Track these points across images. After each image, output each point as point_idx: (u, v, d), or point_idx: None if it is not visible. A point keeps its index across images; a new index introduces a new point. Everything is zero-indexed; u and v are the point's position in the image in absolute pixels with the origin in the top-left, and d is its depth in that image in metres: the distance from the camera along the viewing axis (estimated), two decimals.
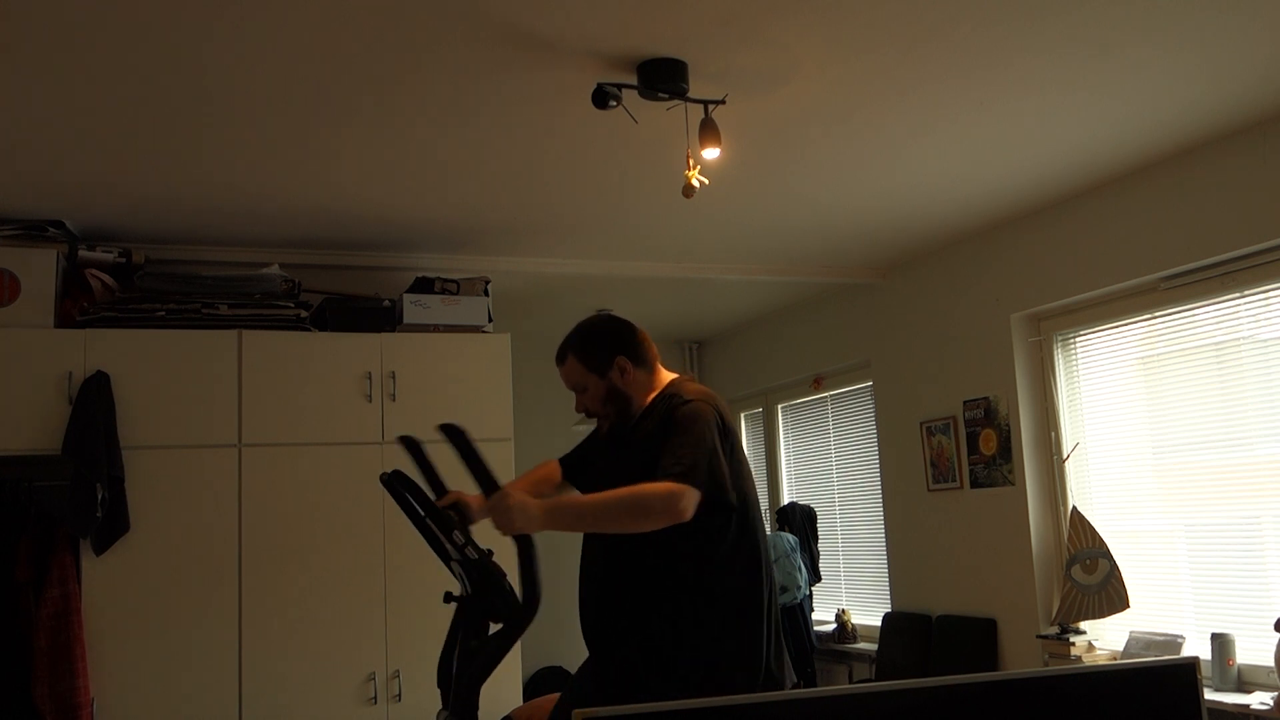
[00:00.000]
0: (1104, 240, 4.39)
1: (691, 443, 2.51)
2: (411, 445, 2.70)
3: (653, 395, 2.76)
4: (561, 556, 3.18)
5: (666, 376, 2.82)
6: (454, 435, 2.44)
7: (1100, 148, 3.94)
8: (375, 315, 4.62)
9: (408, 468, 2.66)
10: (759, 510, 2.72)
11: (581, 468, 2.95)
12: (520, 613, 2.41)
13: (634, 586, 2.62)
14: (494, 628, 2.57)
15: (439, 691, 2.70)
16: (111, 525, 4.01)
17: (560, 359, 2.81)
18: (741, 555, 2.61)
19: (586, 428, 3.21)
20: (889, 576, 5.71)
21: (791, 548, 5.99)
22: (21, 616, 4.03)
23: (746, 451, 7.51)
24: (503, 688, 4.32)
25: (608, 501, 2.46)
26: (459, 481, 2.65)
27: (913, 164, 4.02)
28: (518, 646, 4.45)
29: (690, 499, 2.43)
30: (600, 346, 2.77)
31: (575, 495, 2.46)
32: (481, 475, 2.43)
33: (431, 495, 2.63)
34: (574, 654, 2.87)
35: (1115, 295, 4.47)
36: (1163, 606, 4.32)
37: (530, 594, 2.40)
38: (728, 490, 2.52)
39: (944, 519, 5.27)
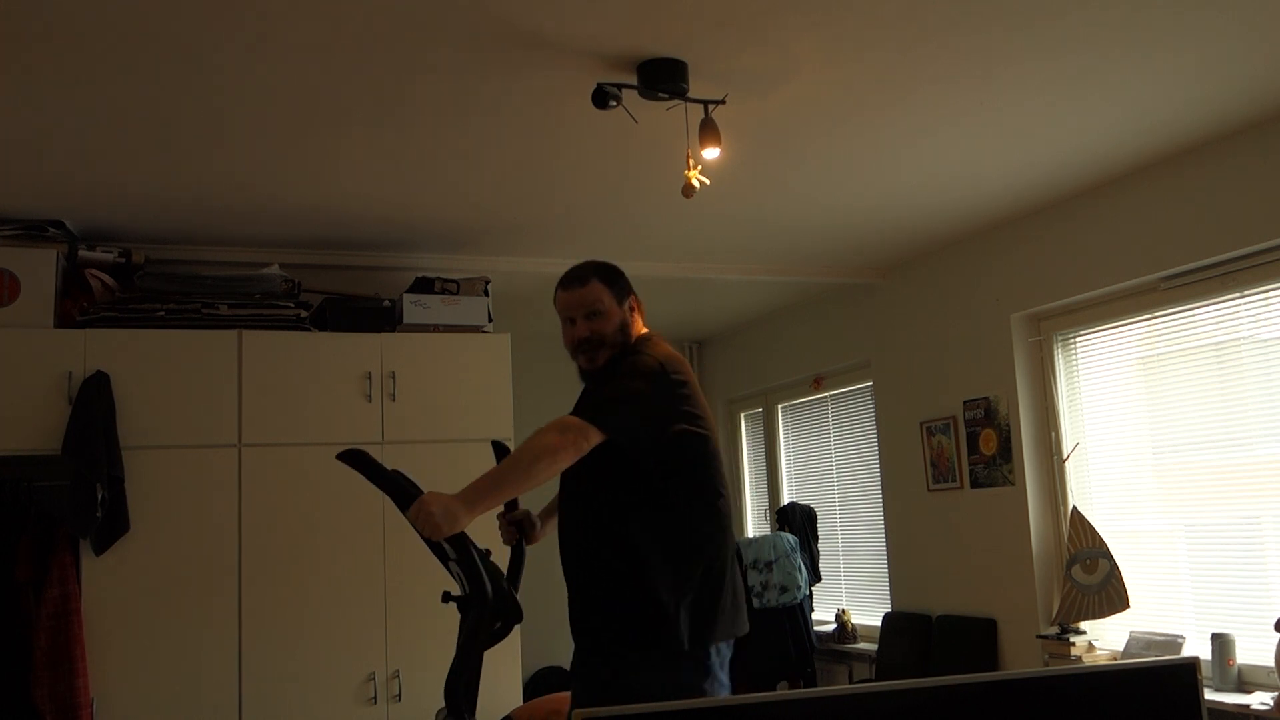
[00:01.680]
0: (1104, 240, 4.39)
1: (613, 387, 2.56)
2: (356, 458, 2.67)
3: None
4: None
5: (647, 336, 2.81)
6: (355, 460, 2.39)
7: (1100, 148, 3.94)
8: (375, 315, 4.62)
9: (407, 467, 2.65)
10: (718, 466, 2.69)
11: None
12: (476, 614, 2.36)
13: (592, 548, 2.62)
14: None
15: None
16: (111, 525, 4.01)
17: (580, 281, 2.74)
18: (694, 509, 2.61)
19: None
20: (889, 576, 5.71)
21: (791, 548, 5.99)
22: (21, 616, 4.03)
23: (746, 451, 7.54)
24: (503, 688, 4.33)
25: (511, 459, 2.48)
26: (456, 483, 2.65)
27: (913, 164, 4.02)
28: (517, 646, 4.48)
29: (585, 432, 2.46)
30: (623, 281, 2.80)
31: (484, 473, 2.47)
32: (392, 491, 2.37)
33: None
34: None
35: (1115, 295, 4.47)
36: (1163, 606, 4.32)
37: (478, 593, 2.35)
38: (637, 441, 2.54)
39: (944, 519, 5.27)
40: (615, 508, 2.59)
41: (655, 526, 2.58)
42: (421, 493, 2.39)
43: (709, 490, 2.65)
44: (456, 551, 2.39)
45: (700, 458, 2.64)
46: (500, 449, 2.91)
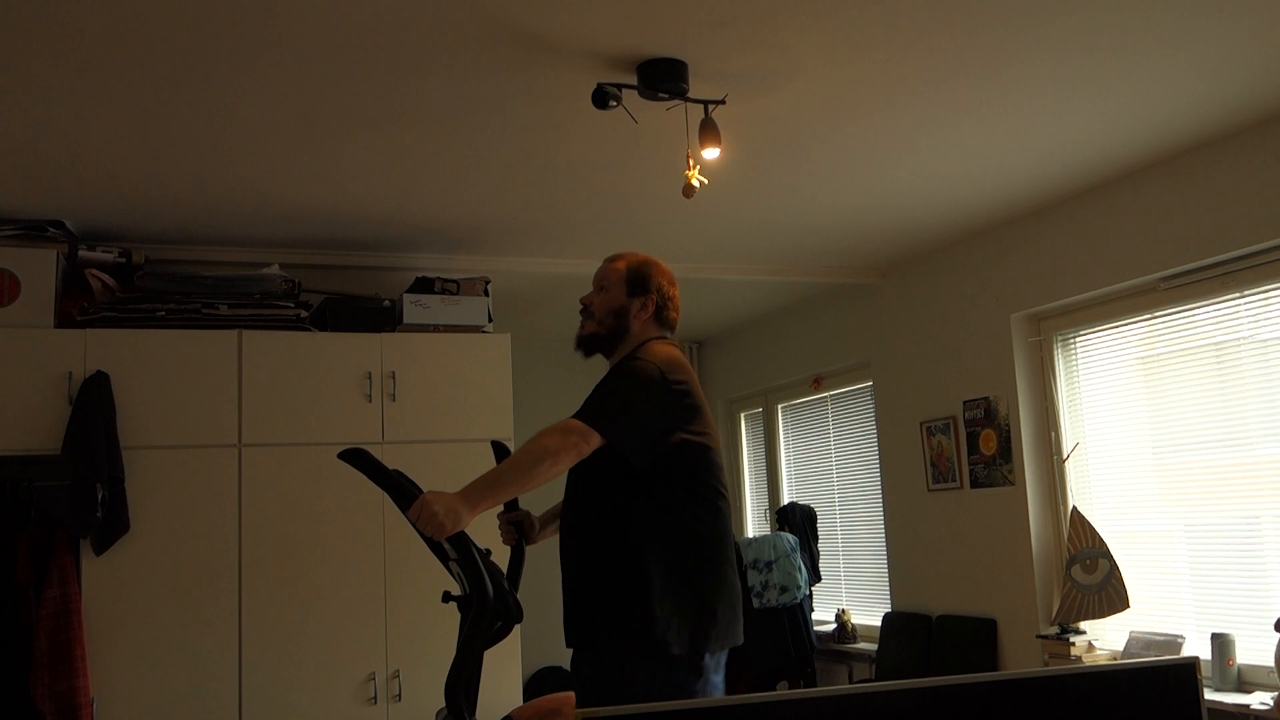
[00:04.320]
0: (1104, 240, 4.39)
1: (612, 392, 2.58)
2: (357, 458, 2.68)
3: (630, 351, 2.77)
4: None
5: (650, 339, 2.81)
6: (355, 459, 2.38)
7: (1100, 148, 3.94)
8: (375, 315, 4.62)
9: (410, 468, 2.66)
10: (718, 468, 2.69)
11: None
12: (475, 614, 2.36)
13: (591, 551, 2.62)
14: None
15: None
16: (111, 525, 4.01)
17: (612, 259, 2.87)
18: (693, 515, 2.59)
19: None
20: (889, 576, 5.71)
21: (791, 548, 5.99)
22: (21, 616, 4.03)
23: (746, 451, 7.54)
24: (503, 688, 4.33)
25: (513, 460, 2.50)
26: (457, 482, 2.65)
27: (913, 164, 4.02)
28: (517, 646, 4.48)
29: (586, 436, 2.47)
30: (649, 277, 2.82)
31: (485, 472, 2.47)
32: (392, 489, 2.37)
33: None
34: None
35: (1115, 295, 4.47)
36: (1163, 606, 4.32)
37: (479, 594, 2.35)
38: (637, 450, 2.53)
39: (944, 519, 5.27)
40: (615, 512, 2.59)
41: (654, 532, 2.57)
42: (421, 492, 2.39)
43: (709, 497, 2.64)
44: (457, 550, 2.39)
45: (701, 465, 2.63)
46: (500, 449, 2.91)
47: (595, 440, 2.49)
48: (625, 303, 2.78)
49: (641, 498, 2.58)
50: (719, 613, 2.58)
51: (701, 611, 2.56)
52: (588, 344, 2.84)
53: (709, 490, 2.64)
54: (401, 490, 2.38)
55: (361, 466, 2.38)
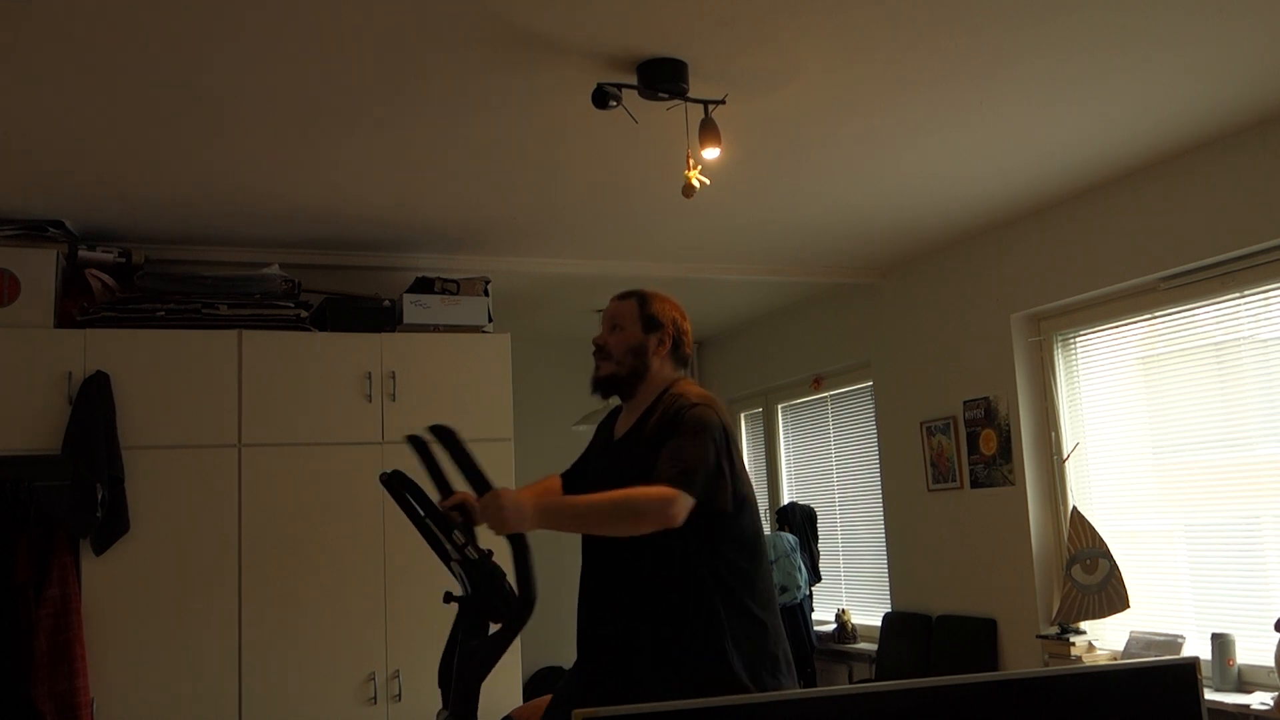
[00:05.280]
0: (1104, 240, 4.39)
1: (692, 448, 2.47)
2: (418, 444, 2.68)
3: (658, 392, 2.71)
4: (564, 554, 3.19)
5: (672, 379, 2.78)
6: (444, 436, 2.40)
7: (1100, 148, 3.94)
8: (375, 315, 4.62)
9: (412, 467, 2.65)
10: (758, 515, 2.69)
11: (578, 477, 2.91)
12: (516, 612, 2.39)
13: (631, 585, 2.58)
14: (494, 628, 2.57)
15: (440, 691, 2.70)
16: (111, 525, 4.01)
17: (622, 296, 2.81)
18: (742, 558, 2.58)
19: (586, 428, 3.19)
20: (889, 576, 5.71)
21: (791, 548, 5.99)
22: (21, 616, 4.03)
23: (746, 452, 7.56)
24: (503, 688, 4.32)
25: (600, 503, 2.42)
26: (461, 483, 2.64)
27: (913, 164, 4.02)
28: (517, 646, 4.48)
29: (682, 505, 2.39)
30: (664, 312, 2.77)
31: (570, 496, 2.42)
32: (473, 475, 2.40)
33: (437, 496, 2.62)
34: (574, 654, 2.87)
35: (1115, 295, 4.47)
36: (1163, 606, 4.32)
37: (526, 593, 2.38)
38: (724, 500, 2.51)
39: (944, 519, 5.27)
40: (651, 564, 2.53)
41: (725, 582, 2.53)
42: (495, 487, 2.36)
43: (761, 546, 2.62)
44: (515, 550, 2.37)
45: (753, 516, 2.63)
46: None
47: (685, 510, 2.40)
48: (643, 340, 2.72)
49: (707, 541, 2.52)
50: (781, 664, 2.55)
51: (763, 659, 2.53)
52: (606, 386, 2.75)
53: (760, 538, 2.63)
54: (481, 477, 2.37)
55: (447, 443, 2.36)
